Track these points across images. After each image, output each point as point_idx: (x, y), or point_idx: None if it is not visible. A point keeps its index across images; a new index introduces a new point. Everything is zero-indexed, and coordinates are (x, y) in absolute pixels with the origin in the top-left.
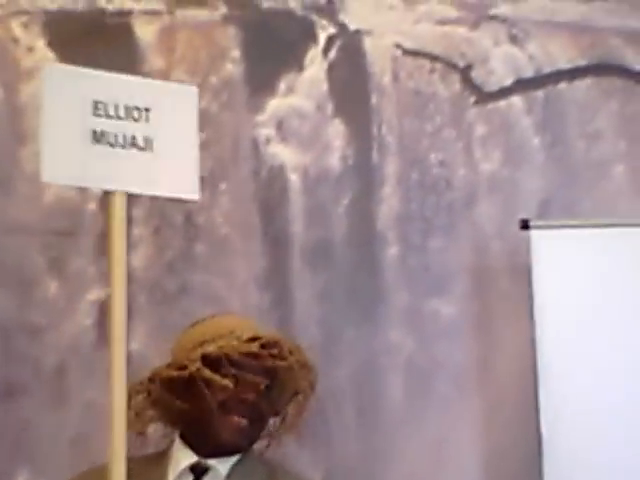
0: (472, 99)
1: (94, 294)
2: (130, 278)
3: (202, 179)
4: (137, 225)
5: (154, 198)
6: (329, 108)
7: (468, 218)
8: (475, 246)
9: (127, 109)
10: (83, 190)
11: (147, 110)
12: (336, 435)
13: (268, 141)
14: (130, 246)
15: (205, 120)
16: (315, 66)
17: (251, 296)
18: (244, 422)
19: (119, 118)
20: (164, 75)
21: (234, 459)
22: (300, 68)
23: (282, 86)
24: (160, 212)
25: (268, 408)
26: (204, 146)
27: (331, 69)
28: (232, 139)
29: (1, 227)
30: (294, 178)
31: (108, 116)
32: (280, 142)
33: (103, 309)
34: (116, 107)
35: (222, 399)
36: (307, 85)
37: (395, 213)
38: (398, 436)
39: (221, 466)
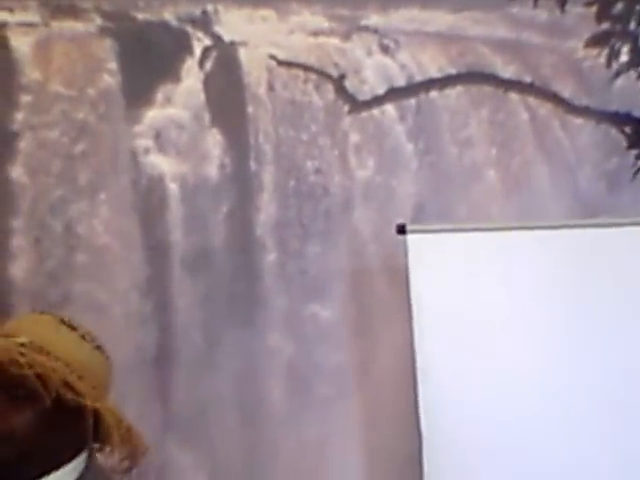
0: (346, 108)
1: None
2: (12, 289)
3: (81, 189)
4: (17, 236)
5: (34, 208)
6: (206, 118)
7: (345, 224)
8: (352, 251)
9: None
10: None
11: None
12: (218, 437)
13: (146, 151)
14: (11, 257)
15: (83, 131)
16: (192, 77)
17: (133, 303)
18: None
19: None
20: (41, 86)
21: None
22: (177, 79)
23: (159, 97)
24: (40, 222)
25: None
26: (82, 156)
27: (207, 80)
28: (110, 150)
29: None
30: (173, 187)
31: None
32: (158, 152)
33: None
34: None
35: None
36: (184, 96)
37: (273, 220)
38: (280, 437)
39: None
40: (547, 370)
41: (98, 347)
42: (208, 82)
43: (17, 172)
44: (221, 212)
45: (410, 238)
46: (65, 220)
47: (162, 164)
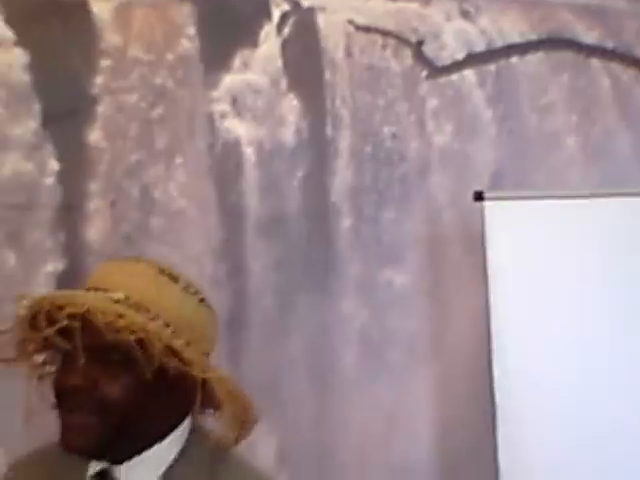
0: (424, 73)
1: (51, 266)
2: (88, 251)
3: (158, 153)
4: (94, 199)
5: (111, 171)
6: (283, 83)
7: (421, 190)
8: (428, 217)
9: None
10: (40, 164)
11: None
12: (289, 403)
13: (223, 116)
14: (87, 220)
15: (161, 96)
16: (269, 42)
17: (207, 267)
18: (75, 422)
19: None
20: (121, 51)
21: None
22: (255, 44)
23: (237, 62)
24: (116, 186)
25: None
26: (160, 121)
27: (285, 45)
28: (188, 114)
29: None
30: (249, 152)
31: None
32: (235, 117)
33: (60, 280)
34: None
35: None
36: (262, 61)
37: (349, 185)
38: (351, 405)
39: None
40: (626, 339)
41: (203, 300)
42: (286, 47)
43: (95, 136)
44: (296, 177)
45: (487, 205)
46: (141, 184)
47: (238, 129)
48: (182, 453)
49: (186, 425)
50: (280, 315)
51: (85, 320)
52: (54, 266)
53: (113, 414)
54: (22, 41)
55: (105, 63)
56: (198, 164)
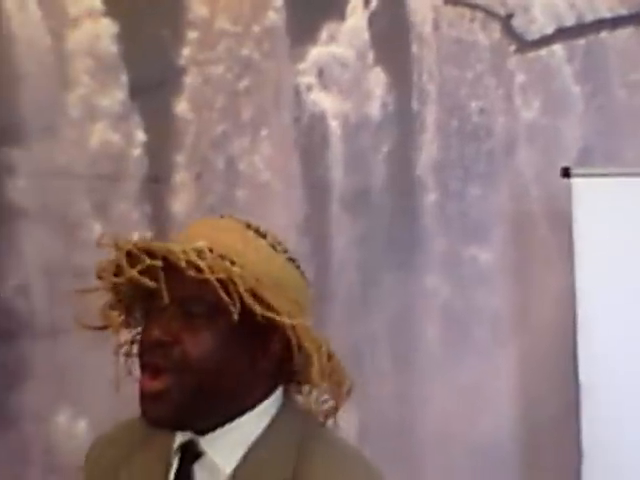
0: (513, 47)
1: (136, 237)
2: (173, 222)
3: (244, 125)
4: (180, 171)
5: (197, 143)
6: (370, 56)
7: (508, 166)
8: (515, 193)
9: None
10: (127, 135)
11: None
12: (371, 378)
13: (309, 89)
14: (173, 192)
15: (247, 68)
16: (357, 15)
17: (290, 241)
18: (154, 387)
19: None
20: (208, 23)
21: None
22: (342, 17)
23: (324, 35)
24: (202, 158)
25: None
26: (246, 93)
27: (372, 18)
28: (274, 87)
29: (48, 171)
30: (334, 125)
31: None
32: (321, 90)
33: None
34: None
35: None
36: (348, 34)
37: (434, 160)
38: (433, 381)
39: (218, 452)
40: None
41: (292, 260)
42: (373, 20)
43: (182, 107)
44: (382, 151)
45: (575, 182)
46: (227, 156)
47: (324, 102)
48: (271, 427)
49: (276, 397)
50: (363, 290)
51: (167, 270)
52: (140, 237)
53: (192, 373)
54: (111, 12)
55: (192, 35)
56: (283, 137)
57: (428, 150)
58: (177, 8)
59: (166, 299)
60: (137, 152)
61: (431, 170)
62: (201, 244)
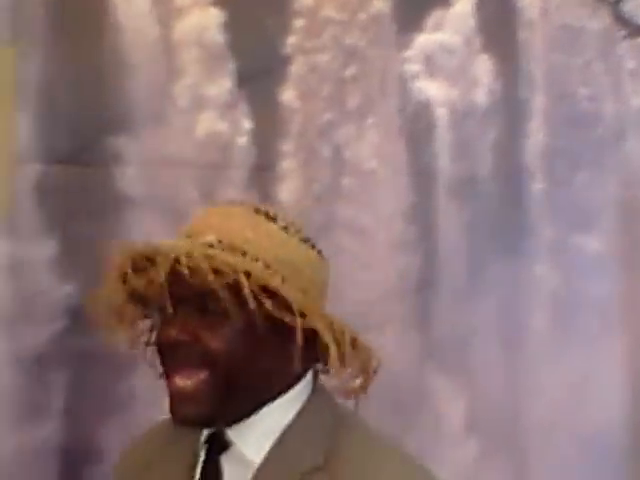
0: (622, 33)
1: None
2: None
3: (350, 113)
4: (286, 158)
5: (303, 131)
6: (477, 43)
7: (617, 153)
8: (624, 181)
9: None
10: (234, 124)
11: None
12: (478, 366)
13: (415, 76)
14: (279, 179)
15: (353, 56)
16: (463, 1)
17: (397, 229)
18: (182, 384)
19: None
20: (313, 11)
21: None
22: (448, 4)
23: (430, 22)
24: (308, 146)
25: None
26: (352, 81)
27: (479, 4)
28: (380, 74)
29: (156, 160)
30: (441, 113)
31: None
32: (427, 77)
33: None
34: None
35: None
36: (455, 20)
37: (542, 148)
38: (541, 369)
39: (246, 443)
40: None
41: (306, 240)
42: (480, 7)
43: (288, 96)
44: (489, 139)
45: None
46: (333, 144)
47: (430, 89)
48: (300, 415)
49: (306, 383)
50: (470, 278)
51: (176, 270)
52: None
53: (219, 368)
54: (218, 1)
55: (298, 23)
56: (389, 124)
57: (535, 137)
58: None
59: (169, 309)
60: (244, 140)
61: (539, 157)
62: (209, 239)
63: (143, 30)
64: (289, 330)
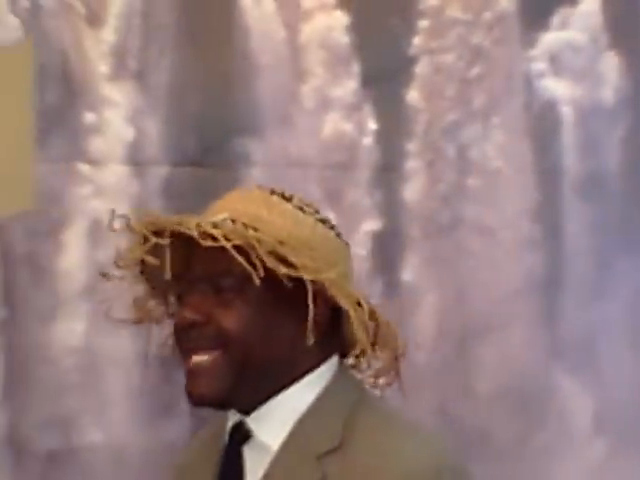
0: None
1: (368, 225)
2: (404, 210)
3: (475, 113)
4: (411, 159)
5: (428, 131)
6: (603, 41)
7: None
8: None
9: None
10: (359, 124)
11: None
12: (606, 365)
13: (541, 75)
14: (404, 180)
15: (478, 55)
16: None
17: (523, 228)
18: (198, 359)
19: None
20: (439, 11)
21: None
22: (574, 2)
23: (556, 20)
24: (433, 146)
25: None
26: (477, 81)
27: (606, 2)
28: (505, 73)
29: (281, 160)
30: (567, 111)
31: None
32: (553, 76)
33: (376, 240)
34: None
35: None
36: (581, 18)
37: None
38: None
39: (264, 430)
40: None
41: (324, 221)
42: (606, 4)
43: (413, 96)
44: (615, 137)
45: None
46: (458, 144)
47: (556, 87)
48: (320, 398)
49: (329, 366)
50: (597, 276)
51: (191, 248)
52: (371, 225)
53: (234, 347)
54: (343, 3)
55: (423, 23)
56: (515, 124)
57: None
58: None
59: (167, 275)
60: (369, 141)
61: None
62: (222, 216)
63: (270, 33)
64: (304, 307)
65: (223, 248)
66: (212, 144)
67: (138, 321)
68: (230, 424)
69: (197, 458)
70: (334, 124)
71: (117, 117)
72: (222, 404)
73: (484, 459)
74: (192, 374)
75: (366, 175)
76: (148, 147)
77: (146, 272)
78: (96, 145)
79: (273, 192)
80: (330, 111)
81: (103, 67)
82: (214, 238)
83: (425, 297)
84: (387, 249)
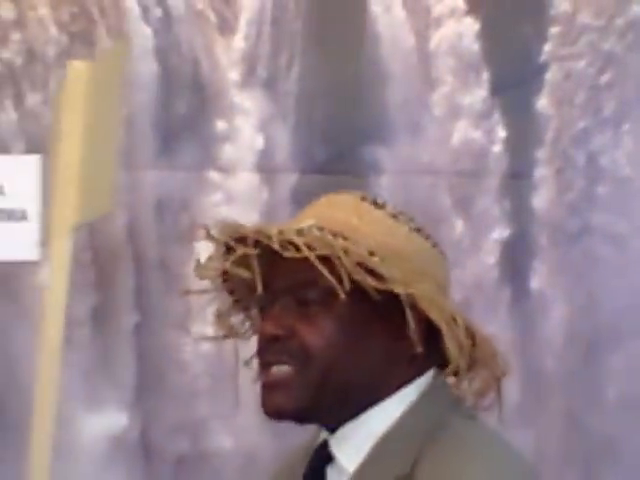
0: None
1: (497, 233)
2: (532, 218)
3: (605, 120)
4: (540, 166)
5: (558, 139)
6: None
7: None
8: None
9: None
10: (488, 132)
11: None
12: None
13: None
14: (533, 187)
15: (609, 61)
16: None
17: None
18: (277, 371)
19: None
20: (570, 18)
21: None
22: None
23: None
24: (563, 153)
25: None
26: (608, 87)
27: None
28: (637, 80)
29: (411, 168)
30: None
31: None
32: None
33: (505, 248)
34: None
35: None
36: None
37: None
38: None
39: (345, 451)
40: None
41: (418, 229)
42: None
43: (543, 103)
44: None
45: None
46: (588, 151)
47: None
48: (403, 418)
49: (419, 384)
50: None
51: (275, 259)
52: (500, 233)
53: (315, 364)
54: (473, 10)
55: (554, 30)
56: None
57: None
58: (539, 4)
59: (259, 288)
60: (498, 148)
61: None
62: (308, 223)
63: (400, 40)
64: (398, 325)
65: (307, 258)
66: (341, 151)
67: (224, 337)
68: (319, 441)
69: (286, 470)
70: (464, 132)
71: (247, 125)
72: (299, 419)
73: (610, 466)
74: (269, 386)
75: (495, 183)
76: (278, 154)
77: (229, 285)
78: (226, 153)
79: (364, 198)
80: (460, 119)
81: (234, 74)
82: (297, 248)
83: (554, 305)
84: (516, 257)
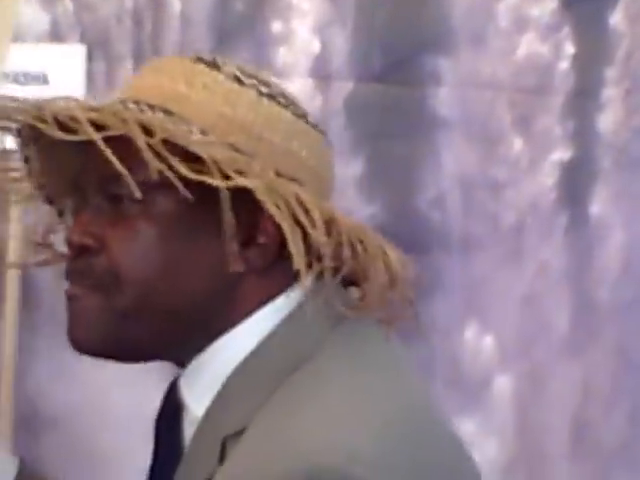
0: None
1: (557, 154)
2: (596, 140)
3: None
4: (608, 86)
5: (629, 58)
6: None
7: None
8: None
9: None
10: (556, 47)
11: None
12: None
13: None
14: (599, 108)
15: None
16: None
17: None
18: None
19: None
20: None
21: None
22: None
23: None
24: (632, 73)
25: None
26: None
27: None
28: None
29: (472, 82)
30: None
31: None
32: None
33: (565, 169)
34: None
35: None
36: None
37: None
38: None
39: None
40: None
41: (273, 96)
42: None
43: (616, 19)
44: None
45: None
46: None
47: None
48: (255, 352)
49: (280, 305)
50: None
51: (80, 148)
52: (560, 155)
53: (125, 289)
54: None
55: None
56: None
57: None
58: None
59: (40, 183)
60: (565, 65)
61: None
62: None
63: None
64: (245, 227)
65: (119, 143)
66: (400, 60)
67: (45, 262)
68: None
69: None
70: (529, 46)
71: (304, 27)
72: (116, 357)
73: None
74: (70, 316)
75: (559, 101)
76: (334, 60)
77: (47, 192)
78: (281, 56)
79: (199, 59)
80: (526, 32)
81: None
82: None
83: (613, 233)
84: (576, 180)
